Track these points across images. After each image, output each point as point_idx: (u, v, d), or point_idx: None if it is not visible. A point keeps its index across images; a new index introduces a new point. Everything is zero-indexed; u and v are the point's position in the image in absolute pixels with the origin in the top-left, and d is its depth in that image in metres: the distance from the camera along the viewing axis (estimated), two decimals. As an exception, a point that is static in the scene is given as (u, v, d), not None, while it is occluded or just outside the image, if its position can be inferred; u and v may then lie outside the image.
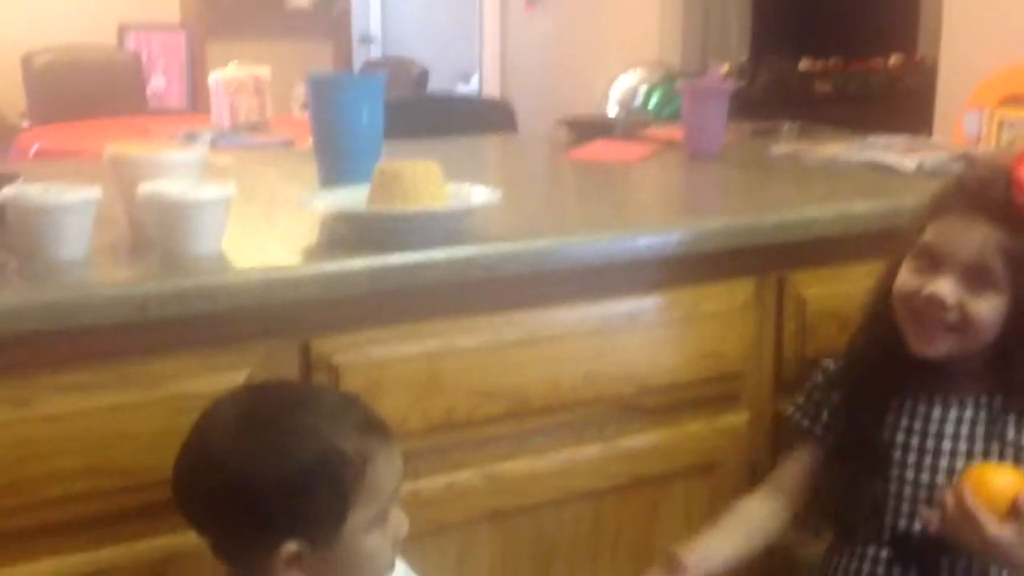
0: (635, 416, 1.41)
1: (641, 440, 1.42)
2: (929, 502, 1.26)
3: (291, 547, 0.97)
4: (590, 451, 1.39)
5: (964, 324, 1.21)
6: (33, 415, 1.03)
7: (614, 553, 1.44)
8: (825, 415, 1.35)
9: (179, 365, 1.10)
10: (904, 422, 1.29)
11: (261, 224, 1.37)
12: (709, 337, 1.42)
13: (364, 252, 1.19)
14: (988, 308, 1.20)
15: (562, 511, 1.39)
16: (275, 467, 0.96)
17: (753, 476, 1.49)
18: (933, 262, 1.23)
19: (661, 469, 1.44)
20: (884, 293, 1.28)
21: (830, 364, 1.38)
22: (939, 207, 1.26)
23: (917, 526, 1.26)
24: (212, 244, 1.16)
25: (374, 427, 1.03)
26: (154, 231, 1.17)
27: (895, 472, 1.29)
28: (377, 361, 1.21)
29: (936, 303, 1.21)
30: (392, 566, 1.07)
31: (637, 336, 1.38)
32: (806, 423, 1.37)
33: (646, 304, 1.38)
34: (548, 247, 1.28)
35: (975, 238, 1.20)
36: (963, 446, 1.27)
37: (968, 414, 1.27)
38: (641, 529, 1.45)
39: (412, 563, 1.22)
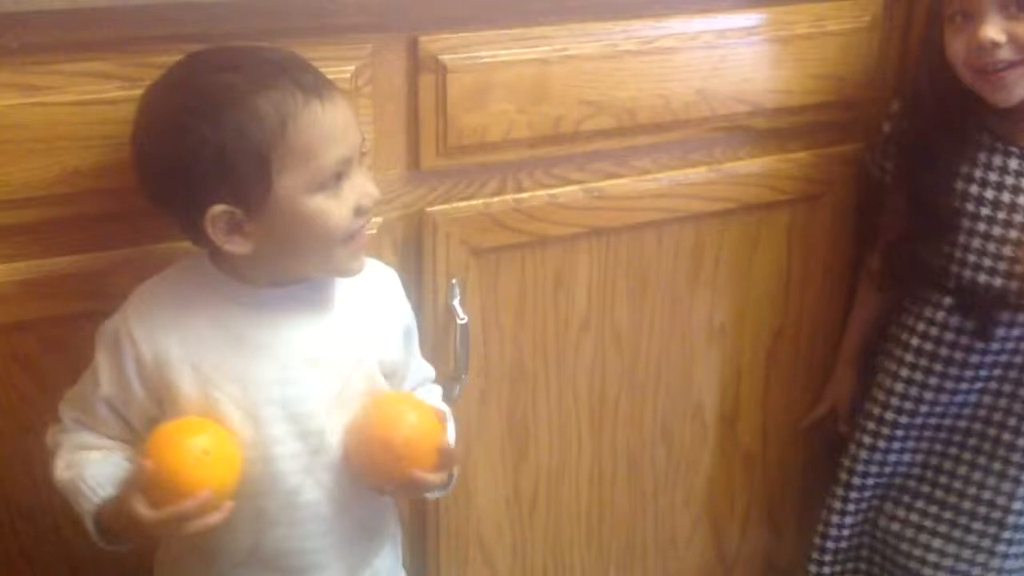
0: (745, 139, 1.37)
1: (749, 165, 1.38)
2: (998, 257, 1.26)
3: (216, 210, 0.94)
4: (696, 173, 1.36)
5: (1020, 56, 1.17)
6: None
7: (712, 279, 1.43)
8: (896, 164, 1.34)
9: (286, 55, 1.07)
10: (978, 173, 1.27)
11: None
12: (830, 59, 1.35)
13: (477, -57, 1.13)
14: None
15: (662, 233, 1.37)
16: (189, 130, 0.92)
17: (859, 214, 1.46)
18: (966, 13, 1.18)
19: (767, 197, 1.41)
20: (937, 62, 1.24)
21: (896, 108, 1.34)
22: None
23: (983, 278, 1.28)
24: (319, -72, 1.10)
25: (305, 85, 0.94)
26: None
27: (966, 223, 1.28)
28: (486, 63, 1.17)
29: (987, 49, 1.17)
30: (353, 239, 1.00)
31: (754, 53, 1.31)
32: (878, 173, 1.36)
33: (766, 19, 1.30)
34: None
35: None
36: None
37: None
38: (741, 257, 1.43)
39: (509, 270, 1.24)
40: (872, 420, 1.41)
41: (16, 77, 0.99)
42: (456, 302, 1.25)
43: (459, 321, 1.25)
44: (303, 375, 1.01)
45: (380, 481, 1.03)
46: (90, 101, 1.01)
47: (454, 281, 1.25)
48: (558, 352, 1.36)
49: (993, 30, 1.16)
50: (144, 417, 1.01)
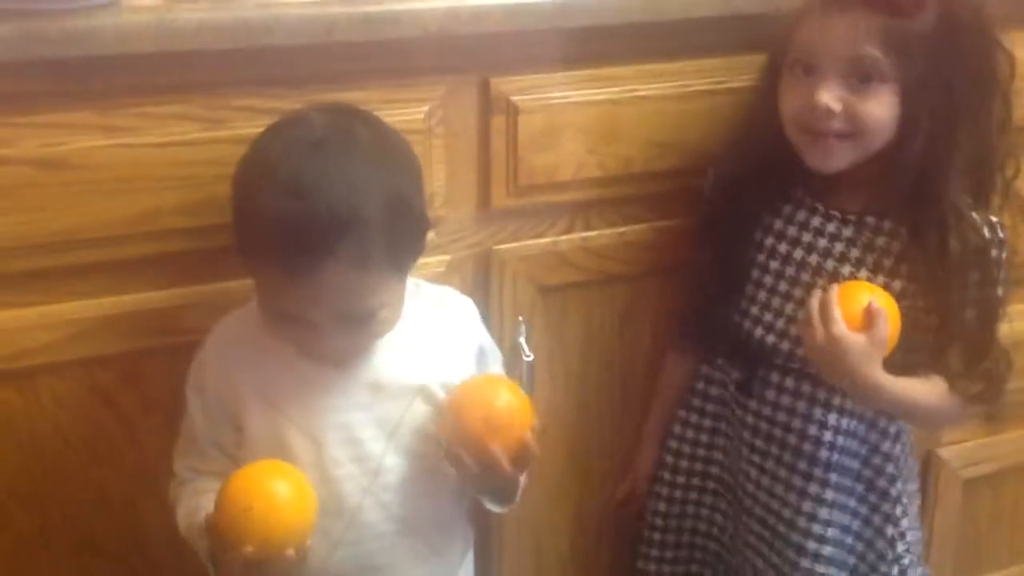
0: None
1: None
2: (779, 314, 1.19)
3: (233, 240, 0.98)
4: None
5: (856, 128, 1.09)
6: (225, 135, 1.04)
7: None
8: (711, 207, 1.25)
9: (361, 96, 1.08)
10: (778, 225, 1.20)
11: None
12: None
13: (550, -13, 1.14)
14: (877, 104, 1.08)
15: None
16: (236, 181, 0.97)
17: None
18: (809, 69, 1.10)
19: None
20: (766, 109, 1.15)
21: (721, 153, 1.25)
22: (801, 11, 1.13)
23: (759, 332, 1.21)
24: (395, -28, 1.12)
25: (289, 262, 0.92)
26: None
27: (756, 274, 1.21)
28: (556, 104, 1.18)
29: (821, 113, 1.09)
30: (320, 362, 1.02)
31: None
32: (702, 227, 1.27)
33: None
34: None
35: (845, 29, 1.07)
36: (830, 264, 1.17)
37: (847, 232, 1.17)
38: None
39: (576, 309, 1.24)
40: (667, 470, 1.33)
41: (100, 119, 1.02)
42: (523, 339, 1.26)
43: (525, 359, 1.25)
44: (364, 401, 1.04)
45: (462, 446, 1.01)
46: (171, 143, 1.04)
47: (521, 319, 1.26)
48: (623, 391, 1.36)
49: (831, 97, 1.08)
50: (232, 444, 1.05)
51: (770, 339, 1.20)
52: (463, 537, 1.18)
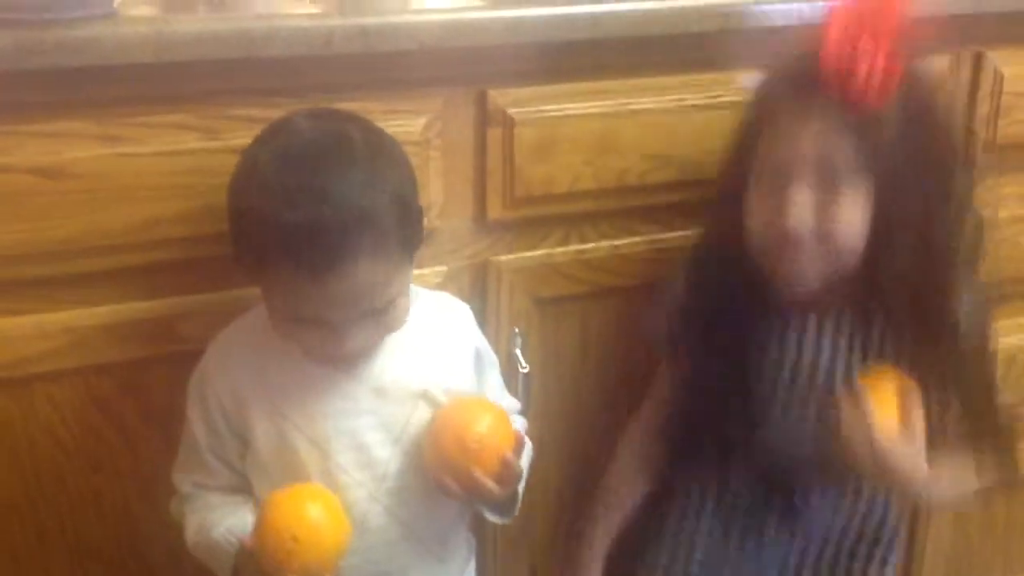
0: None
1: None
2: (800, 423, 1.14)
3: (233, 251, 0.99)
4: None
5: (831, 242, 1.04)
6: (224, 145, 1.05)
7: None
8: (680, 337, 1.20)
9: (359, 107, 1.08)
10: (772, 337, 1.14)
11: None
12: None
13: (548, 1, 1.14)
14: (852, 212, 1.03)
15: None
16: (232, 189, 0.98)
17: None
18: (777, 181, 1.04)
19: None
20: (730, 221, 1.10)
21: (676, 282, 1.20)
22: (762, 119, 1.08)
23: (781, 446, 1.15)
24: (393, -15, 1.14)
25: (304, 259, 0.92)
26: (336, -31, 1.15)
27: (762, 388, 1.15)
28: (553, 116, 1.19)
29: (793, 238, 1.03)
30: (330, 364, 1.03)
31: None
32: (663, 345, 1.22)
33: None
34: (736, 4, 1.21)
35: (815, 131, 1.02)
36: (839, 364, 1.13)
37: (843, 342, 1.13)
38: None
39: (571, 320, 1.24)
40: None
41: (98, 128, 1.03)
42: (518, 351, 1.26)
43: (521, 370, 1.26)
44: (370, 406, 1.04)
45: (443, 474, 1.02)
46: (170, 152, 1.05)
47: (516, 330, 1.26)
48: (617, 402, 1.37)
49: (806, 214, 1.03)
50: (237, 456, 1.05)
51: (798, 452, 1.14)
52: (467, 545, 1.19)
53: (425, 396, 1.06)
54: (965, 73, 1.38)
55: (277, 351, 1.03)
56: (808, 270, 1.06)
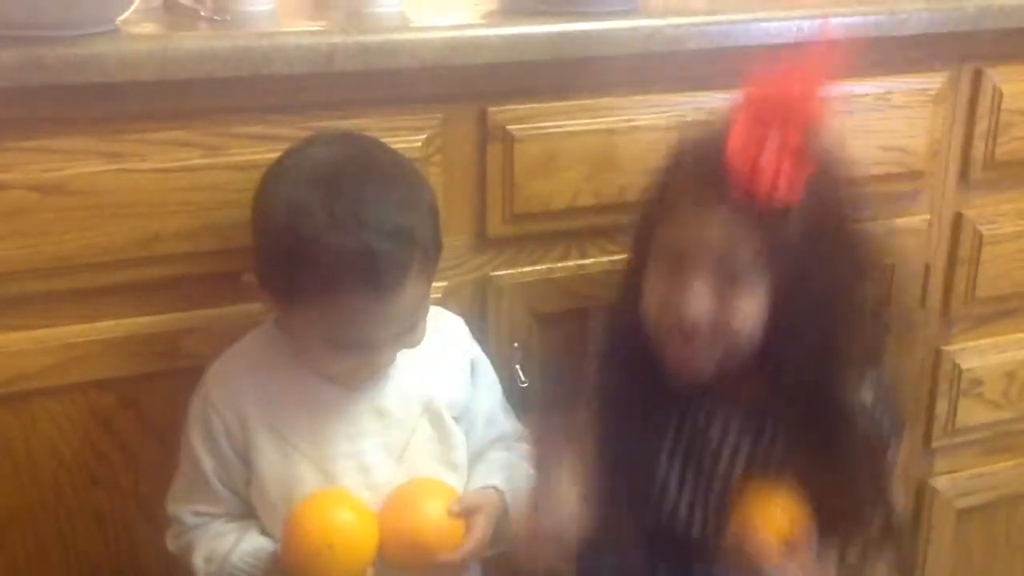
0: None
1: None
2: (693, 508, 1.11)
3: (248, 278, 0.99)
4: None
5: (724, 330, 1.02)
6: (225, 162, 1.06)
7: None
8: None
9: (359, 124, 1.10)
10: (669, 444, 1.11)
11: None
12: (896, 130, 1.35)
13: (547, 19, 1.15)
14: (749, 305, 1.00)
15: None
16: (262, 211, 0.97)
17: (926, 278, 1.45)
18: (677, 267, 1.02)
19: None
20: (630, 298, 1.08)
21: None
22: (666, 201, 1.05)
23: (680, 527, 1.12)
24: (396, 5, 1.14)
25: (370, 273, 0.93)
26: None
27: (661, 469, 1.12)
28: (553, 133, 1.19)
29: (688, 327, 1.01)
30: (347, 387, 1.03)
31: (818, 125, 1.32)
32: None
33: (833, 90, 1.31)
34: (735, 21, 1.22)
35: (719, 225, 0.99)
36: (727, 453, 1.10)
37: (732, 438, 1.10)
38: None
39: (571, 336, 1.24)
40: None
41: (102, 145, 1.03)
42: (518, 366, 1.26)
43: (521, 385, 1.26)
44: (372, 428, 1.05)
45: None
46: (172, 168, 1.05)
47: (516, 345, 1.26)
48: (618, 417, 1.37)
49: (703, 305, 1.00)
50: (242, 482, 1.05)
51: (694, 533, 1.12)
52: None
53: (427, 411, 1.07)
54: (964, 90, 1.38)
55: (280, 375, 1.03)
56: (700, 359, 1.04)
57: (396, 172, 0.99)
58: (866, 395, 1.09)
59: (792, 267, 1.00)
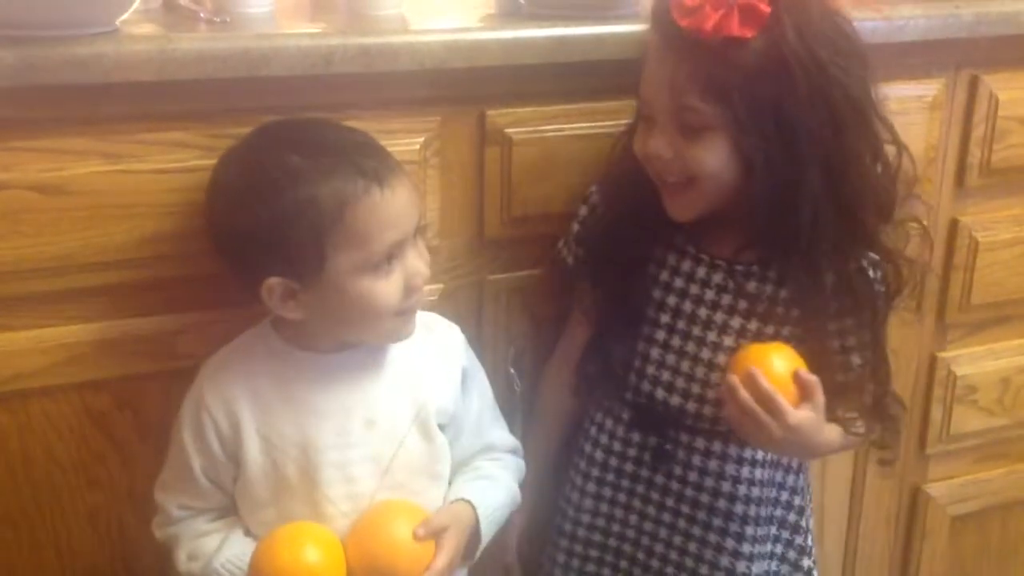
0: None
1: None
2: (676, 371, 1.14)
3: (271, 281, 0.98)
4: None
5: (691, 176, 1.05)
6: (223, 163, 1.06)
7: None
8: (586, 251, 1.19)
9: (358, 126, 1.09)
10: (664, 276, 1.15)
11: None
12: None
13: (546, 22, 1.16)
14: (707, 151, 1.03)
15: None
16: (251, 209, 0.96)
17: (921, 284, 1.45)
18: (648, 118, 1.07)
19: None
20: (630, 151, 1.12)
21: (594, 194, 1.20)
22: (643, 52, 1.09)
23: (660, 393, 1.15)
24: (395, 7, 1.15)
25: (366, 171, 0.96)
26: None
27: (646, 330, 1.15)
28: (551, 136, 1.20)
29: (654, 162, 1.07)
30: (402, 314, 1.02)
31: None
32: (570, 261, 1.21)
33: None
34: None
35: (668, 79, 1.02)
36: (719, 317, 1.12)
37: (724, 279, 1.12)
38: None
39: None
40: (564, 537, 1.24)
41: (100, 145, 1.03)
42: (514, 370, 1.26)
43: (516, 388, 1.26)
44: (361, 438, 1.04)
45: None
46: (169, 169, 1.05)
47: (513, 348, 1.27)
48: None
49: (660, 145, 1.05)
50: (230, 479, 1.05)
51: (675, 400, 1.15)
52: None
53: (416, 421, 1.06)
54: (961, 97, 1.39)
55: (274, 379, 1.03)
56: (680, 198, 1.08)
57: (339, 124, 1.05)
58: (856, 273, 1.08)
59: (746, 112, 1.00)
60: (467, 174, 1.19)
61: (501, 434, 1.17)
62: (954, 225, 1.44)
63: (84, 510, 1.15)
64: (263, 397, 1.03)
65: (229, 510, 1.06)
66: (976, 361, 1.53)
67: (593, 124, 1.21)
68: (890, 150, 1.10)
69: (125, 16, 1.04)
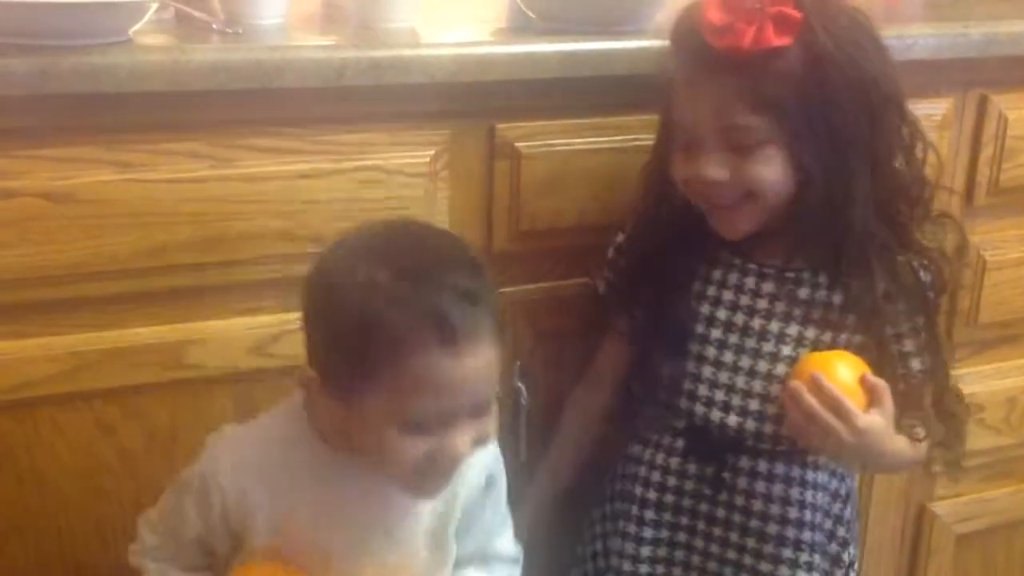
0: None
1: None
2: (731, 389, 1.10)
3: (308, 373, 0.91)
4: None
5: (750, 192, 1.04)
6: (234, 174, 1.06)
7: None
8: (623, 277, 1.18)
9: (369, 138, 1.11)
10: (712, 291, 1.13)
11: (455, 3, 1.36)
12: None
13: (556, 37, 1.16)
14: (764, 167, 1.03)
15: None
16: (319, 298, 0.90)
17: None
18: (692, 140, 1.05)
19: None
20: (665, 181, 1.11)
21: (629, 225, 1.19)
22: (669, 84, 1.07)
23: (716, 414, 1.11)
24: (406, 20, 1.15)
25: (444, 328, 0.85)
26: (350, 3, 1.16)
27: (695, 348, 1.12)
28: (560, 151, 1.20)
29: (709, 186, 1.05)
30: (421, 475, 0.91)
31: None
32: (613, 296, 1.19)
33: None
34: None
35: (712, 100, 1.02)
36: (775, 326, 1.10)
37: (780, 287, 1.10)
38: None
39: (573, 355, 1.23)
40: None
41: (111, 154, 1.03)
42: (520, 384, 1.26)
43: (522, 403, 1.26)
44: (374, 545, 0.99)
45: None
46: (181, 179, 1.05)
47: (518, 362, 1.26)
48: (620, 436, 1.37)
49: (715, 168, 1.03)
50: (227, 547, 1.00)
51: (732, 420, 1.10)
52: None
53: (431, 535, 1.01)
54: (970, 116, 1.39)
55: (291, 475, 0.97)
56: (737, 216, 1.07)
57: (450, 240, 0.95)
58: (902, 270, 1.08)
59: (798, 119, 1.01)
60: (476, 187, 1.20)
61: (504, 542, 1.09)
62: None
63: (91, 519, 1.15)
64: (281, 490, 0.96)
65: (207, 567, 1.02)
66: (983, 380, 1.52)
67: (602, 139, 1.22)
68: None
69: (138, 27, 1.05)
